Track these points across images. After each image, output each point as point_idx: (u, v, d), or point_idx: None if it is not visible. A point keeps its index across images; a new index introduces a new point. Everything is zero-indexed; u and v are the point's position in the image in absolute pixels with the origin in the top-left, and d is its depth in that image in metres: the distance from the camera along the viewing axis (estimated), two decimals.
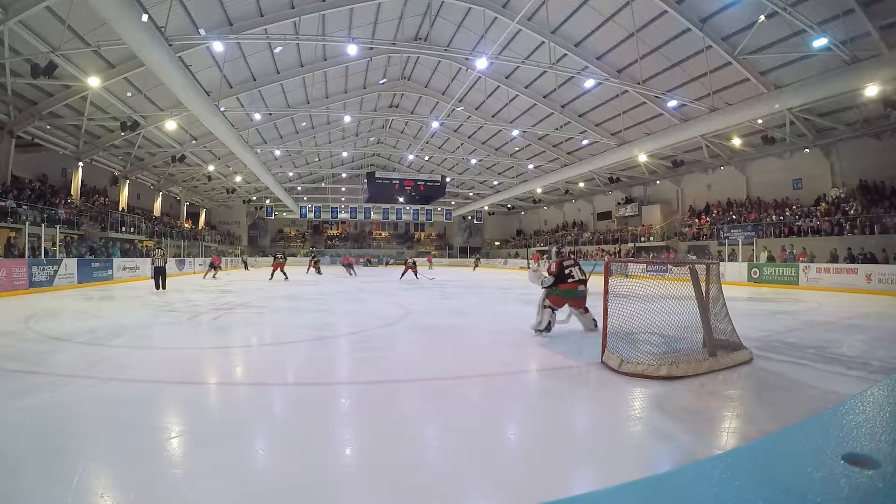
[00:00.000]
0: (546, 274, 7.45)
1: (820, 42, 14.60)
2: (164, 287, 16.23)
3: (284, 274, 23.09)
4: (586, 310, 7.52)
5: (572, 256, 7.91)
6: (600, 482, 2.81)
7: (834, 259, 18.80)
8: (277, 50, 21.99)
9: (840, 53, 14.66)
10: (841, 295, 15.63)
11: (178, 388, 4.78)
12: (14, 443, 3.28)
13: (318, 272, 30.04)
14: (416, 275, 24.46)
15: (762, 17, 15.06)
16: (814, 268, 18.28)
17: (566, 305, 7.48)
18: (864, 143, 20.90)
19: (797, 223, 22.66)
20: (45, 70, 15.13)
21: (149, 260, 24.78)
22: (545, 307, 7.30)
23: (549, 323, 7.26)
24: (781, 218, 23.70)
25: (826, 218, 21.33)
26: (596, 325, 7.34)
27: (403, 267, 25.97)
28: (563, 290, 7.30)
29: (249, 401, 4.49)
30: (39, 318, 9.41)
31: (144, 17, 12.72)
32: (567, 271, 7.30)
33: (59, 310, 10.77)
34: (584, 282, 7.33)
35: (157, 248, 18.72)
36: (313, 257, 32.80)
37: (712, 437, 3.57)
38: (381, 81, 30.46)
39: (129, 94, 21.32)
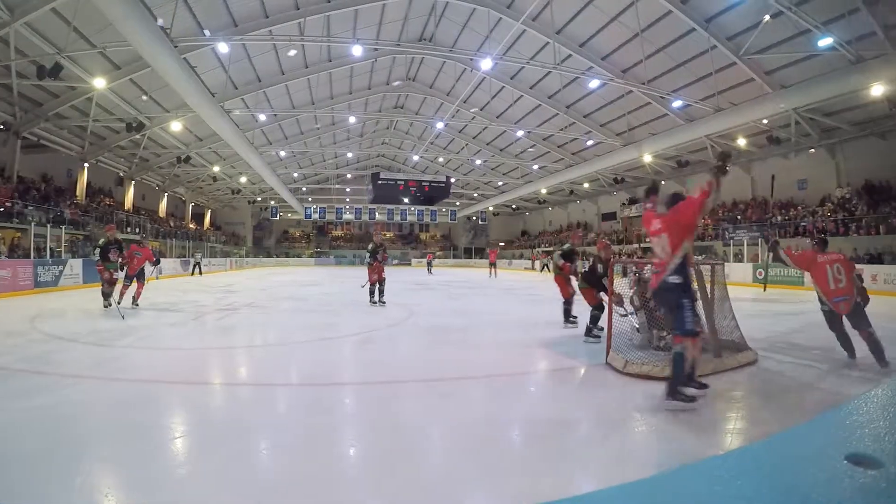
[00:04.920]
0: (629, 305, 6.45)
1: (825, 41, 14.54)
2: None
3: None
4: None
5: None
6: (603, 482, 2.81)
7: None
8: (291, 53, 22.07)
9: (845, 53, 14.60)
10: None
11: (183, 388, 4.81)
12: (19, 442, 3.30)
13: None
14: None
15: (767, 17, 15.01)
16: None
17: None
18: (869, 143, 20.80)
19: (802, 223, 22.56)
20: (50, 71, 15.18)
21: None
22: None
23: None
24: (787, 218, 23.61)
25: (831, 217, 21.24)
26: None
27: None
28: None
29: (254, 401, 4.51)
30: (45, 318, 9.44)
31: (160, 21, 12.77)
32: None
33: (64, 310, 10.79)
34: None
35: None
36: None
37: (716, 437, 3.58)
38: (396, 83, 30.40)
39: (143, 97, 21.40)
